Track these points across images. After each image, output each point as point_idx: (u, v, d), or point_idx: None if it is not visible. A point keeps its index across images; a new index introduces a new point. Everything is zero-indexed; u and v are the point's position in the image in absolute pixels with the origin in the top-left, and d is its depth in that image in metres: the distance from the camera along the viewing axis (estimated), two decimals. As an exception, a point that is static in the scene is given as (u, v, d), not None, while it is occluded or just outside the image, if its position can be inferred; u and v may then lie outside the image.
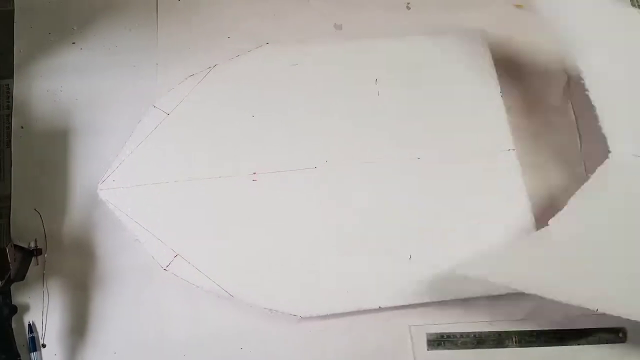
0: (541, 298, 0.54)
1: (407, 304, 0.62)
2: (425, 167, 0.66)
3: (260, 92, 0.68)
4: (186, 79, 0.68)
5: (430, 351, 0.63)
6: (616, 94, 0.62)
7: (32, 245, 0.63)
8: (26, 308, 0.62)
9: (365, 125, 0.68)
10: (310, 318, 0.61)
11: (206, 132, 0.66)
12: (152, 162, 0.64)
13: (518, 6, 0.79)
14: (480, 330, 0.63)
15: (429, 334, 0.63)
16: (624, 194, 0.60)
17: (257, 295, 0.60)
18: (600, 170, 0.59)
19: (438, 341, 0.63)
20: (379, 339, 0.63)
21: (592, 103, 0.59)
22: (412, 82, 0.70)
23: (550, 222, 0.58)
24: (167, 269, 0.60)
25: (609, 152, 0.59)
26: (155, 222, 0.62)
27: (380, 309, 0.61)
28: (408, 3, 0.77)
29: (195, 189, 0.63)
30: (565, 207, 0.58)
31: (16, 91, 0.69)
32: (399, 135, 0.67)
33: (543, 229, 0.58)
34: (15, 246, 0.60)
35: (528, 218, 0.64)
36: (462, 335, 0.63)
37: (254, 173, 0.64)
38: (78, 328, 0.62)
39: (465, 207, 0.65)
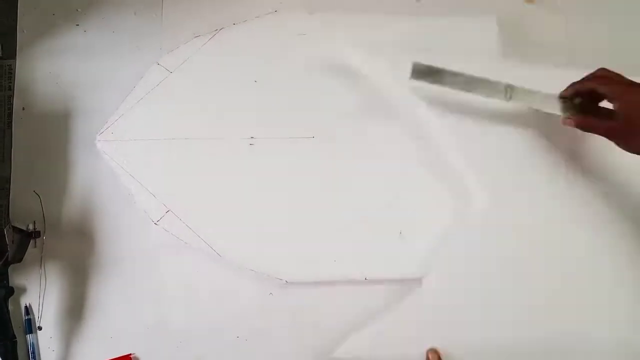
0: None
1: (394, 277, 0.62)
2: (425, 149, 0.65)
3: (265, 59, 0.68)
4: (192, 39, 0.68)
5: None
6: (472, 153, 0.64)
7: (31, 227, 0.63)
8: (23, 290, 0.62)
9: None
10: (296, 283, 0.61)
11: (207, 93, 0.66)
12: (152, 118, 0.64)
13: (529, 1, 0.79)
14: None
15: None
16: (480, 246, 0.63)
17: (245, 257, 0.61)
18: (457, 228, 0.62)
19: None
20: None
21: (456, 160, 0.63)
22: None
23: (423, 282, 0.61)
24: (157, 223, 0.61)
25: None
26: (149, 177, 0.62)
27: (366, 281, 0.61)
28: (418, -5, 0.76)
29: (192, 148, 0.64)
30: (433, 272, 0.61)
31: (19, 72, 0.68)
32: (403, 115, 0.67)
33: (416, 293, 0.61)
34: (14, 228, 0.60)
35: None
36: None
37: (252, 137, 0.64)
38: (75, 311, 0.62)
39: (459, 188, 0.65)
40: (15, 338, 0.58)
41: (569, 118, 0.56)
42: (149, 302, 0.62)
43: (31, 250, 0.62)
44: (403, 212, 0.64)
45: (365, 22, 0.70)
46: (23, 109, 0.67)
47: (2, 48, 0.68)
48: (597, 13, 0.77)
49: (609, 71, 0.55)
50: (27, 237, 0.62)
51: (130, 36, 0.70)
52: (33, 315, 0.61)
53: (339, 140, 0.65)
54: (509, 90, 0.59)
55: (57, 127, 0.67)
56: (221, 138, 0.64)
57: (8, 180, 0.65)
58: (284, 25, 0.69)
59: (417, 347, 0.61)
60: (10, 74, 0.68)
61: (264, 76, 0.67)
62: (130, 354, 0.61)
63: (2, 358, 0.57)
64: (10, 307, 0.60)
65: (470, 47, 0.69)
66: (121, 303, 0.62)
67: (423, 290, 0.61)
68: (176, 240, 0.61)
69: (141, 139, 0.63)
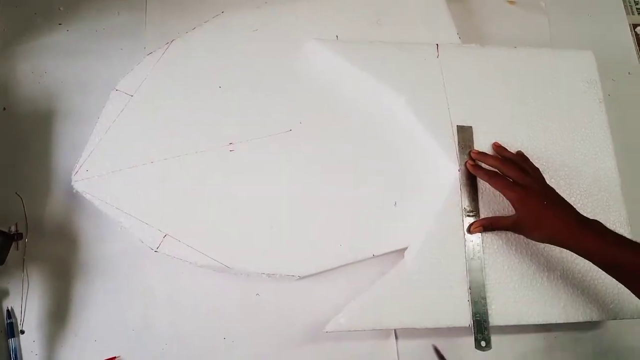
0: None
1: (398, 248, 0.62)
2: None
3: (224, 62, 0.67)
4: (144, 57, 0.66)
5: None
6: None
7: (13, 229, 0.62)
8: (5, 293, 0.61)
9: None
10: (309, 276, 0.61)
11: (174, 109, 0.64)
12: (124, 146, 0.62)
13: (511, 2, 0.80)
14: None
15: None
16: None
17: (253, 263, 0.60)
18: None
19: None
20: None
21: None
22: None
23: (405, 253, 0.61)
24: (157, 250, 0.59)
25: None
26: (137, 205, 0.60)
27: (373, 257, 0.62)
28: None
29: (172, 167, 0.62)
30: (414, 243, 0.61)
31: (-1, 72, 0.67)
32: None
33: (398, 265, 0.61)
34: (-5, 230, 0.59)
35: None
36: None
37: (230, 143, 0.63)
38: (58, 315, 0.61)
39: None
40: (-3, 342, 0.57)
41: (477, 221, 0.61)
42: (134, 305, 0.62)
43: (13, 253, 0.61)
44: (394, 185, 0.64)
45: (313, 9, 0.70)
46: (4, 109, 0.66)
47: (-19, 47, 0.67)
48: (581, 13, 0.78)
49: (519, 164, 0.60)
50: (9, 239, 0.61)
51: (113, 36, 0.70)
52: (15, 318, 0.60)
53: (316, 129, 0.65)
54: None
55: (39, 128, 0.66)
56: (200, 151, 0.63)
57: (-11, 182, 0.64)
58: (234, 25, 0.68)
59: (407, 315, 0.59)
60: (-10, 73, 0.67)
61: (227, 79, 0.66)
62: (116, 357, 0.60)
63: (-17, 363, 0.56)
64: (-9, 311, 0.59)
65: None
66: (106, 305, 0.61)
67: (405, 261, 0.61)
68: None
69: (119, 169, 0.61)
